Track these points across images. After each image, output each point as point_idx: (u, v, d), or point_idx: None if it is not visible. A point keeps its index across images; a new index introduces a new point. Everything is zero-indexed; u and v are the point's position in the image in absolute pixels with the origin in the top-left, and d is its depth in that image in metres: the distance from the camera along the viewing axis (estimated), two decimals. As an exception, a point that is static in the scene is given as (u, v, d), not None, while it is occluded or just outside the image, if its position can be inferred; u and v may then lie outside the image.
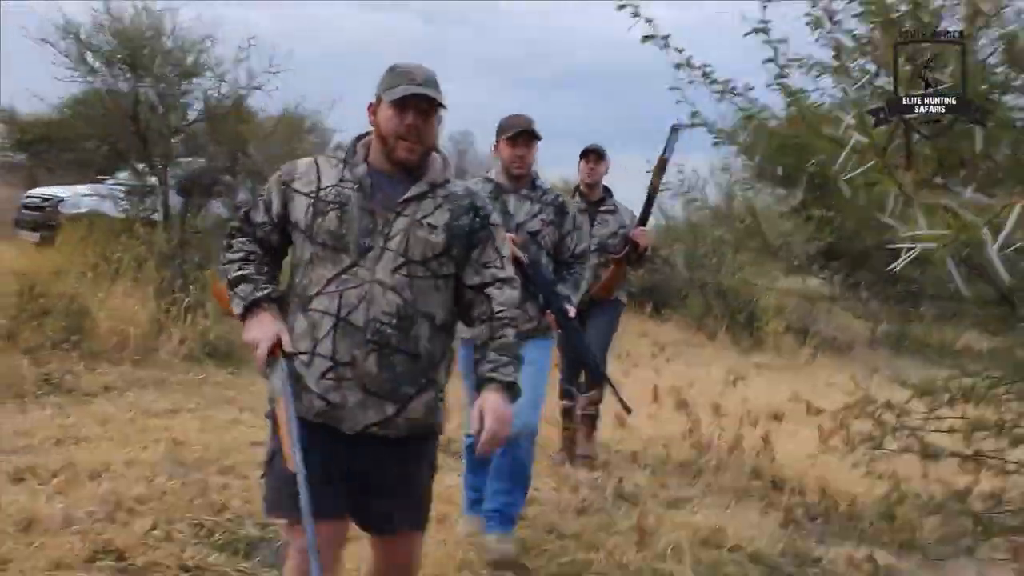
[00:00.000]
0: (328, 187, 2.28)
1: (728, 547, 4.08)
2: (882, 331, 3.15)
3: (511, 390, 2.25)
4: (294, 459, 2.11)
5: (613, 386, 4.16)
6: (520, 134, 3.65)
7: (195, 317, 7.04)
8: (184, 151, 8.27)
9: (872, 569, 4.07)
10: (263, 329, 2.25)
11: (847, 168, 1.31)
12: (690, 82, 2.49)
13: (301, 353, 2.25)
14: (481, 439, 2.17)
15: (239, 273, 2.32)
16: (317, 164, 2.34)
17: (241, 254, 2.35)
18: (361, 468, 2.30)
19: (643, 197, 4.95)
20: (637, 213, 5.09)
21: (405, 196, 2.28)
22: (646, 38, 2.29)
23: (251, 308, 2.28)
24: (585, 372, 5.14)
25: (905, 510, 4.57)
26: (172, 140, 8.20)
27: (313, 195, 2.28)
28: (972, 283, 2.16)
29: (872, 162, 1.24)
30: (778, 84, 2.29)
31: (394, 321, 2.22)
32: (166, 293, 7.08)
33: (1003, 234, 0.91)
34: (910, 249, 1.01)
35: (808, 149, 2.06)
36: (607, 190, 5.13)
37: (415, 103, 2.23)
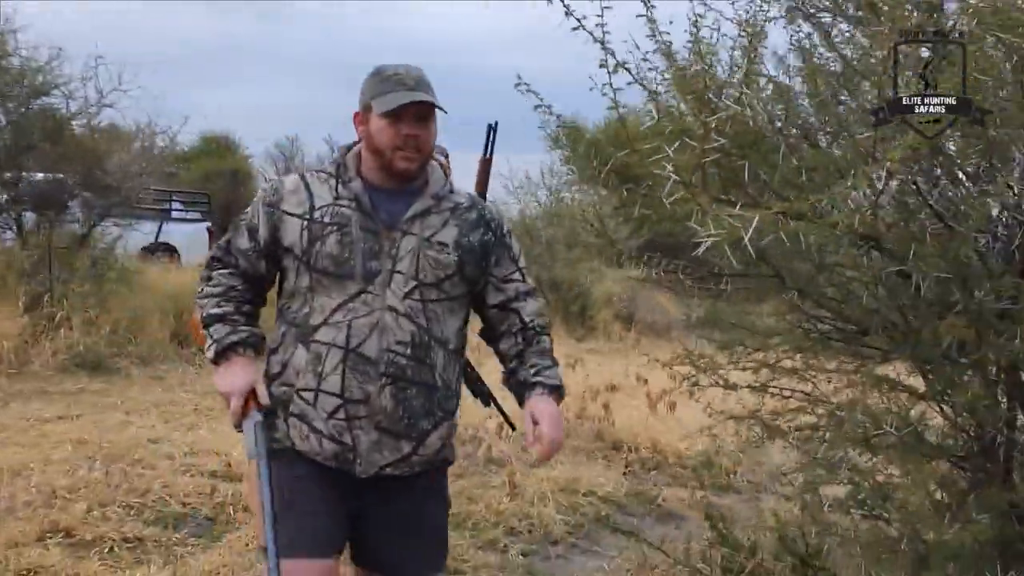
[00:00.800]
0: (323, 207, 2.07)
1: (583, 492, 4.93)
2: (695, 312, 3.99)
3: (559, 393, 2.11)
4: (267, 539, 1.93)
5: (499, 405, 4.63)
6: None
7: (65, 330, 7.26)
8: (36, 168, 8.37)
9: (699, 501, 5.01)
10: (236, 379, 2.04)
11: (668, 191, 2.07)
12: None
13: (302, 390, 2.04)
14: (541, 448, 1.98)
15: (216, 311, 2.09)
16: (305, 181, 2.10)
17: (220, 288, 2.12)
18: (371, 509, 2.11)
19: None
20: None
21: (410, 212, 2.08)
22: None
23: (224, 353, 2.06)
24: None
25: (720, 460, 5.62)
26: (21, 158, 8.28)
27: (307, 217, 2.06)
28: (756, 265, 3.01)
29: (680, 193, 2.00)
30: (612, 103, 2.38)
31: (409, 351, 2.03)
32: (34, 307, 7.25)
33: (748, 233, 1.70)
34: (704, 241, 1.78)
35: (629, 163, 2.72)
36: None
37: (412, 110, 2.02)
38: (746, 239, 1.71)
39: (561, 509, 4.61)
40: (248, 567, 3.68)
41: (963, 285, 2.28)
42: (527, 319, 2.18)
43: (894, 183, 2.04)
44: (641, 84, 2.23)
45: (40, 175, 8.46)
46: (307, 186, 2.10)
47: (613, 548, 4.29)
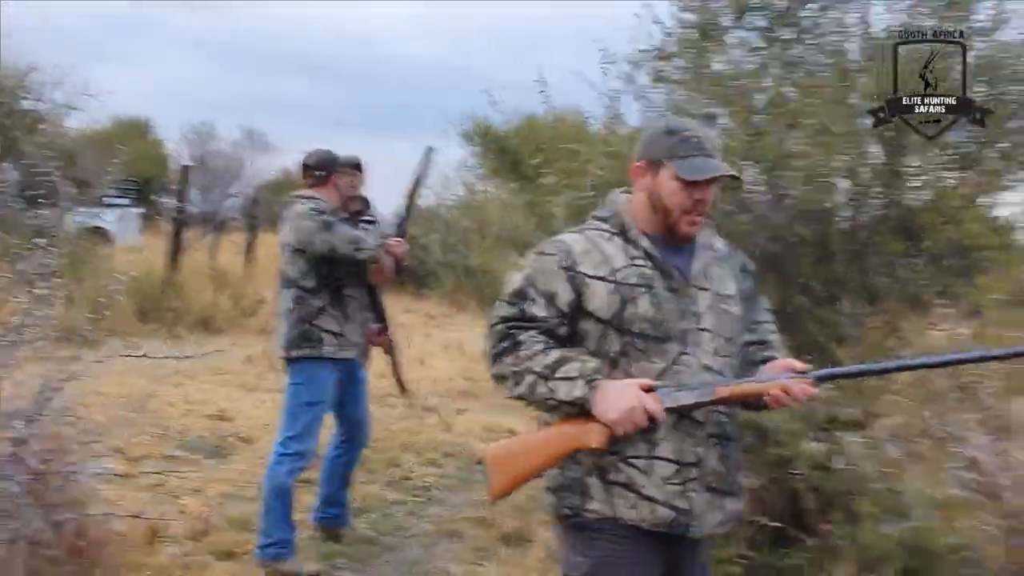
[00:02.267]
0: (622, 267, 2.02)
1: (503, 430, 6.41)
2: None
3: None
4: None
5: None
6: None
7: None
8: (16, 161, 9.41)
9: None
10: (627, 387, 1.94)
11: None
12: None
13: (632, 458, 1.99)
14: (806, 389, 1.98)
15: (551, 358, 1.97)
16: (593, 240, 2.06)
17: (539, 344, 1.99)
18: (683, 563, 2.11)
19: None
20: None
21: (697, 267, 2.07)
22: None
23: (593, 382, 1.94)
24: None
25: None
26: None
27: (611, 279, 2.01)
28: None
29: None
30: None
31: (726, 408, 2.05)
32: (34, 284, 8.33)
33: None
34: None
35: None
36: (365, 201, 4.97)
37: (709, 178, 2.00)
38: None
39: (485, 440, 6.10)
40: (257, 475, 5.11)
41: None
42: (768, 338, 2.19)
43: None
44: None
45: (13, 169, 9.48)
46: (596, 245, 2.06)
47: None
